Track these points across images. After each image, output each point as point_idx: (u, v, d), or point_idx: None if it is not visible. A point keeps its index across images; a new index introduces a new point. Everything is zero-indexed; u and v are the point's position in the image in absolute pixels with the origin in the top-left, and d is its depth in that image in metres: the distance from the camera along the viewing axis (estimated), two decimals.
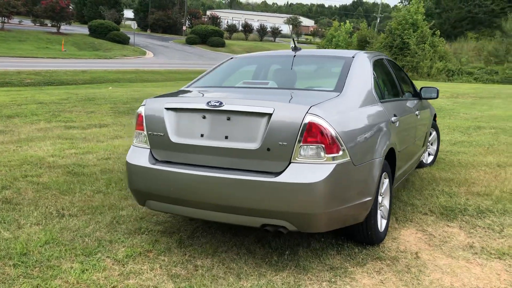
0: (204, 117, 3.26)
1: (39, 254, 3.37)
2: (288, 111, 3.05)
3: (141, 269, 3.23)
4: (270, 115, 3.04)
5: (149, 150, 3.51)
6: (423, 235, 3.97)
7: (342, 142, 3.03)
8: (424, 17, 30.97)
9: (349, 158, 3.07)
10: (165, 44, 54.94)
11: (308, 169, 2.97)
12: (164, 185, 3.34)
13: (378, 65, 4.29)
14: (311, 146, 2.98)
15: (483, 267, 3.37)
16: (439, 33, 30.67)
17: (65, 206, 4.42)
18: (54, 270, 3.15)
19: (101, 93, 14.69)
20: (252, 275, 3.16)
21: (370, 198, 3.32)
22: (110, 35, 47.32)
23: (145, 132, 3.51)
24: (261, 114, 3.08)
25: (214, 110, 3.20)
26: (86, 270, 3.16)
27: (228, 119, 3.18)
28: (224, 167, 3.19)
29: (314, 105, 3.04)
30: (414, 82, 23.80)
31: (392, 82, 4.65)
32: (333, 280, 3.13)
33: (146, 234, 3.81)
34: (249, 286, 3.02)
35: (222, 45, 56.18)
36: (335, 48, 32.28)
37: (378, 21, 66.15)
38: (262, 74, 4.39)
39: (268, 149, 3.04)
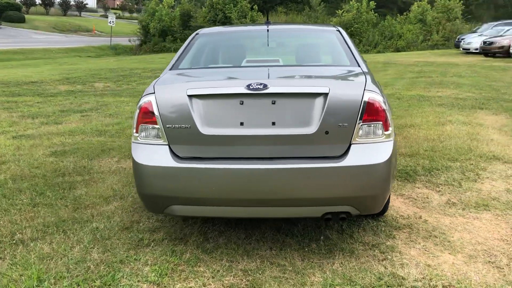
0: (241, 103, 2.85)
1: None
2: (345, 90, 2.87)
3: (192, 287, 2.74)
4: (326, 95, 2.81)
5: (167, 146, 2.94)
6: (405, 199, 4.19)
7: (390, 118, 2.98)
8: None
9: (394, 133, 3.04)
10: None
11: (371, 149, 2.85)
12: (199, 185, 2.85)
13: None
14: (370, 125, 2.86)
15: (481, 220, 3.73)
16: (257, 7, 32.17)
17: (11, 229, 3.48)
18: None
19: None
20: (310, 268, 2.96)
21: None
22: None
23: (160, 126, 2.92)
24: (316, 95, 2.83)
25: (256, 94, 2.83)
26: None
27: (273, 103, 2.84)
28: (273, 157, 2.87)
29: (367, 81, 2.91)
30: None
31: None
32: (385, 256, 3.11)
33: (152, 246, 3.24)
34: (318, 281, 2.82)
35: (22, 20, 49.84)
36: (159, 23, 31.37)
37: None
38: (252, 51, 4.02)
39: (327, 132, 2.82)
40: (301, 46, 3.98)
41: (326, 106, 2.80)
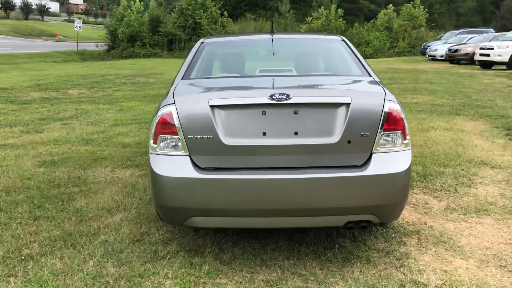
0: (264, 113, 2.85)
1: None
2: (367, 100, 2.92)
3: None
4: (348, 104, 2.85)
5: (188, 157, 2.90)
6: (406, 205, 4.27)
7: (407, 127, 3.04)
8: None
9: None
10: None
11: (392, 158, 2.91)
12: (222, 196, 2.83)
13: None
14: (390, 134, 2.91)
15: (483, 225, 3.84)
16: (227, 14, 32.20)
17: (17, 245, 3.36)
18: None
19: None
20: (331, 277, 2.98)
21: None
22: None
23: (181, 136, 2.89)
24: (338, 105, 2.86)
25: (279, 104, 2.84)
26: None
27: (296, 112, 2.86)
28: (295, 166, 2.88)
29: (386, 91, 2.97)
30: None
31: None
32: (401, 263, 3.16)
33: (169, 259, 3.19)
34: None
35: None
36: (128, 29, 30.92)
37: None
38: (261, 60, 4.01)
39: (349, 142, 2.85)
40: (310, 56, 4.02)
41: (348, 115, 2.83)
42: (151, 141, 3.02)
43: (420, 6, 30.61)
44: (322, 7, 30.74)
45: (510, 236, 3.63)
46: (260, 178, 2.80)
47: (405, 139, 2.96)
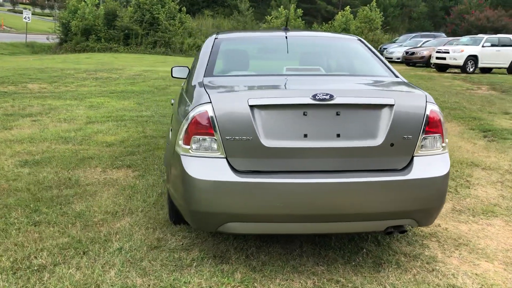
0: (305, 114, 2.73)
1: None
2: (410, 102, 2.85)
3: None
4: (392, 106, 2.77)
5: (224, 159, 2.73)
6: None
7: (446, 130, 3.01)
8: None
9: None
10: None
11: (433, 162, 2.86)
12: (262, 201, 2.69)
13: None
14: (431, 137, 2.87)
15: (494, 226, 3.90)
16: (185, 9, 31.69)
17: (23, 254, 3.07)
18: None
19: None
20: (368, 284, 2.90)
21: None
22: None
23: (218, 137, 2.71)
24: (381, 106, 2.78)
25: (321, 105, 2.72)
26: None
27: (338, 114, 2.75)
28: (337, 170, 2.77)
29: (426, 94, 2.92)
30: (169, 58, 24.22)
31: None
32: (432, 267, 3.13)
33: (195, 266, 3.01)
34: None
35: None
36: (82, 22, 29.75)
37: None
38: (284, 58, 3.85)
39: (392, 145, 2.78)
40: (332, 55, 3.92)
41: (392, 117, 2.76)
42: (181, 142, 2.82)
43: (376, 9, 31.35)
44: (281, 6, 30.83)
45: None
46: (304, 182, 2.68)
47: (443, 142, 2.93)
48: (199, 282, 2.82)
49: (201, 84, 3.07)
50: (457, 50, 19.54)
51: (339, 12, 32.03)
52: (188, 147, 2.78)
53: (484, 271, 3.11)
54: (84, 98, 10.02)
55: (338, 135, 2.75)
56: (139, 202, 4.03)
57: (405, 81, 3.31)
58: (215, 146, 2.73)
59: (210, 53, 3.52)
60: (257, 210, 2.70)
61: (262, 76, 3.43)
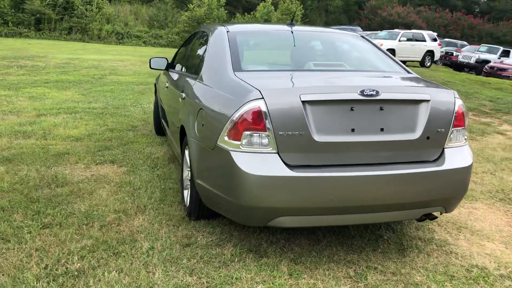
0: (352, 109, 2.83)
1: None
2: (443, 97, 3.05)
3: None
4: (428, 101, 2.96)
5: (276, 154, 2.75)
6: None
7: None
8: None
9: None
10: None
11: (460, 153, 3.10)
12: (314, 194, 2.75)
13: None
14: (458, 130, 3.10)
15: (479, 210, 4.28)
16: None
17: (53, 260, 2.87)
18: None
19: None
20: (403, 269, 3.08)
21: None
22: None
23: (271, 133, 2.72)
24: (419, 102, 2.96)
25: (367, 101, 2.84)
26: None
27: (381, 109, 2.88)
28: (379, 162, 2.91)
29: (453, 90, 3.14)
30: (88, 45, 23.15)
31: None
32: (449, 249, 3.39)
33: (237, 261, 3.00)
34: (423, 281, 2.96)
35: None
36: None
37: None
38: (306, 54, 3.85)
39: (428, 138, 2.97)
40: (348, 51, 4.00)
41: (429, 112, 2.94)
42: (226, 138, 2.79)
43: (296, 1, 32.10)
44: None
45: (507, 218, 4.10)
46: (355, 175, 2.78)
47: (466, 135, 3.17)
48: (250, 277, 2.82)
49: (239, 79, 3.03)
50: (377, 44, 20.66)
51: (261, 3, 32.36)
52: (238, 142, 2.76)
53: (491, 251, 3.43)
54: (19, 88, 9.29)
55: (382, 129, 2.88)
56: (144, 199, 3.90)
57: (419, 76, 3.52)
58: (267, 141, 2.74)
59: (229, 47, 3.48)
60: (308, 203, 2.76)
61: (297, 72, 3.45)
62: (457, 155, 3.08)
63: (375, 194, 2.84)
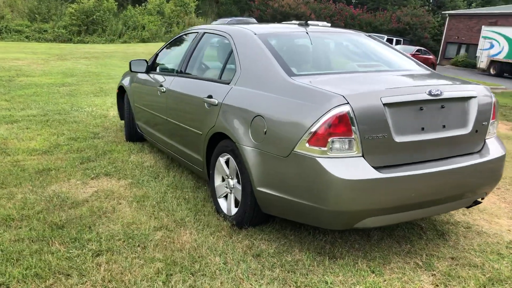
0: (421, 109, 2.98)
1: None
2: (483, 93, 3.32)
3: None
4: (475, 98, 3.22)
5: (361, 157, 2.80)
6: None
7: None
8: None
9: None
10: None
11: (495, 143, 3.42)
12: (399, 193, 2.86)
13: None
14: (493, 122, 3.41)
15: None
16: None
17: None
18: None
19: None
20: (454, 253, 3.32)
21: None
22: None
23: (357, 137, 2.76)
24: (470, 98, 3.20)
25: (434, 100, 3.01)
26: None
27: (442, 107, 3.08)
28: (443, 157, 3.11)
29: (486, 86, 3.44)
30: None
31: None
32: (476, 230, 3.72)
33: (318, 265, 3.01)
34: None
35: None
36: None
37: None
38: (330, 56, 3.85)
39: (476, 131, 3.23)
40: (374, 51, 4.05)
41: (478, 107, 3.20)
42: (311, 145, 2.77)
43: None
44: None
45: (499, 197, 4.59)
46: (432, 172, 2.93)
47: (496, 127, 3.50)
48: (341, 280, 2.85)
49: (305, 84, 3.00)
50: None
51: None
52: (325, 148, 2.75)
53: (508, 227, 3.84)
54: None
55: (444, 126, 3.08)
56: (177, 212, 3.69)
57: (441, 74, 3.79)
58: (353, 145, 2.78)
59: (270, 51, 3.42)
60: (394, 202, 2.86)
61: (351, 74, 3.46)
62: (494, 145, 3.39)
63: (445, 187, 3.03)
